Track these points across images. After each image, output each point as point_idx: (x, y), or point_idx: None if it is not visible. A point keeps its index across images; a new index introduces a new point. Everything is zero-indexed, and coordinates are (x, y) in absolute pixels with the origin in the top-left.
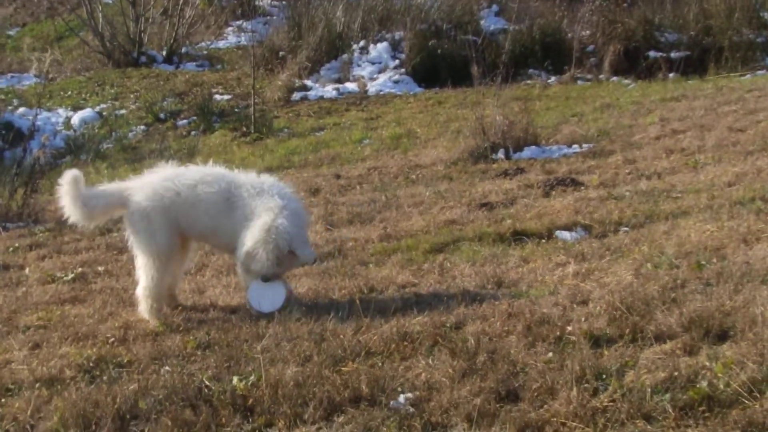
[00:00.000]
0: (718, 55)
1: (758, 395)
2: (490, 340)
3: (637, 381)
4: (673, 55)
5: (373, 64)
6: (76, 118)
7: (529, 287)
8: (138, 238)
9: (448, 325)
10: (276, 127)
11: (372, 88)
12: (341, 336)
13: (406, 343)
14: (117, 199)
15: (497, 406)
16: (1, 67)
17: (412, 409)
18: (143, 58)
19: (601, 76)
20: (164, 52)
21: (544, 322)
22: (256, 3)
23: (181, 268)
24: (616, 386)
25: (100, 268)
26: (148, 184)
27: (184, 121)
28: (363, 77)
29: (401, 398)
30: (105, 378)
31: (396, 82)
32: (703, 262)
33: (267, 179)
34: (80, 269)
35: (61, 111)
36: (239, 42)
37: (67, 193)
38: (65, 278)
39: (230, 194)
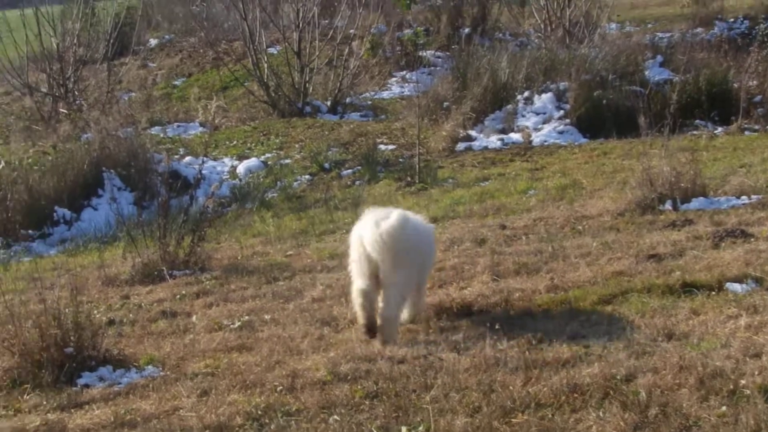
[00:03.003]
0: None
1: None
2: (661, 392)
3: None
4: None
5: (538, 114)
6: (241, 167)
7: (700, 340)
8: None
9: (618, 377)
10: (440, 177)
11: (536, 138)
12: (510, 387)
13: (576, 395)
14: None
15: None
16: (168, 116)
17: None
18: (308, 108)
19: None
20: (329, 102)
21: (716, 375)
22: (421, 54)
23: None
24: None
25: (267, 317)
26: None
27: (349, 170)
28: (527, 127)
29: None
30: (273, 426)
31: (561, 132)
32: None
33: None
34: (247, 317)
35: (226, 160)
36: (403, 92)
37: None
38: (232, 326)
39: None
